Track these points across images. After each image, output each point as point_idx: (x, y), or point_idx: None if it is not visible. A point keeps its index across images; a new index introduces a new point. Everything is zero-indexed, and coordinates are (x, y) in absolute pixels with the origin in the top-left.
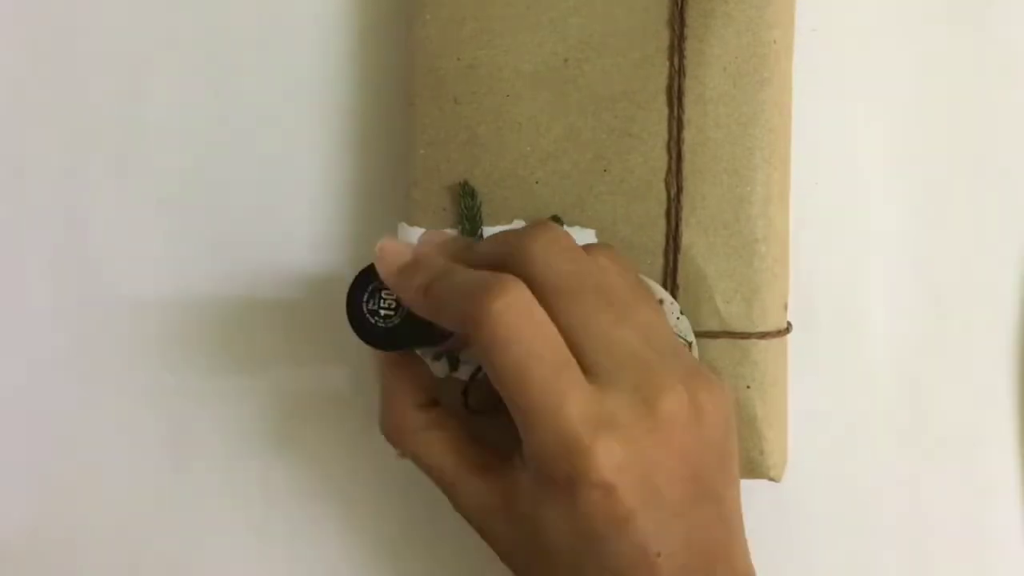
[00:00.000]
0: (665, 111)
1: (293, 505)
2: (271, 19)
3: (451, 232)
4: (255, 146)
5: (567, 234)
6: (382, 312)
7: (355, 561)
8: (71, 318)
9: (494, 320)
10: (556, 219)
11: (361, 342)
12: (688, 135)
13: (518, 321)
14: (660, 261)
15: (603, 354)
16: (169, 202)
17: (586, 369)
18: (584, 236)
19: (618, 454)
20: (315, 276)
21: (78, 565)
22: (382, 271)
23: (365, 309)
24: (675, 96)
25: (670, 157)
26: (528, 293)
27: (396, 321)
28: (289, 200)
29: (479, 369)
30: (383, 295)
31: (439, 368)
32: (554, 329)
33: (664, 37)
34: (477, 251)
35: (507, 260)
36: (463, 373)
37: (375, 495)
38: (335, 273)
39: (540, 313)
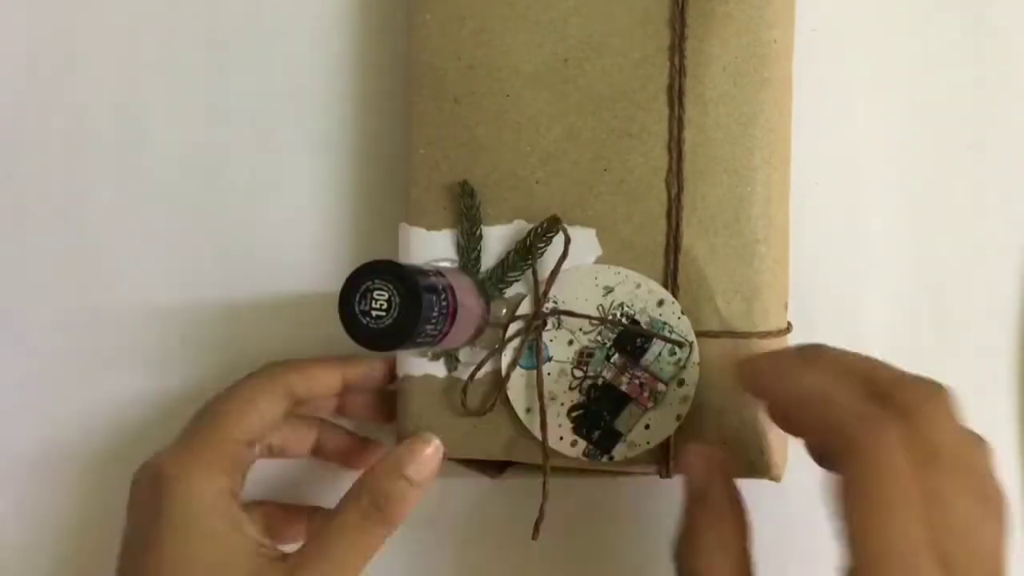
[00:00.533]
0: (665, 111)
1: (295, 503)
2: (270, 20)
3: None
4: (254, 147)
5: (956, 401)
6: (373, 313)
7: None
8: (73, 322)
9: (886, 451)
10: (556, 219)
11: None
12: (688, 135)
13: (903, 464)
14: (660, 261)
15: (963, 549)
16: (168, 204)
17: (938, 547)
18: (584, 236)
19: None
20: (316, 276)
21: (82, 566)
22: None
23: (357, 309)
24: (675, 96)
25: (670, 157)
26: (907, 434)
27: (388, 322)
28: (289, 200)
29: (478, 368)
30: (375, 295)
31: (438, 368)
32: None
33: (664, 37)
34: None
35: (888, 397)
36: (461, 373)
37: None
38: (336, 273)
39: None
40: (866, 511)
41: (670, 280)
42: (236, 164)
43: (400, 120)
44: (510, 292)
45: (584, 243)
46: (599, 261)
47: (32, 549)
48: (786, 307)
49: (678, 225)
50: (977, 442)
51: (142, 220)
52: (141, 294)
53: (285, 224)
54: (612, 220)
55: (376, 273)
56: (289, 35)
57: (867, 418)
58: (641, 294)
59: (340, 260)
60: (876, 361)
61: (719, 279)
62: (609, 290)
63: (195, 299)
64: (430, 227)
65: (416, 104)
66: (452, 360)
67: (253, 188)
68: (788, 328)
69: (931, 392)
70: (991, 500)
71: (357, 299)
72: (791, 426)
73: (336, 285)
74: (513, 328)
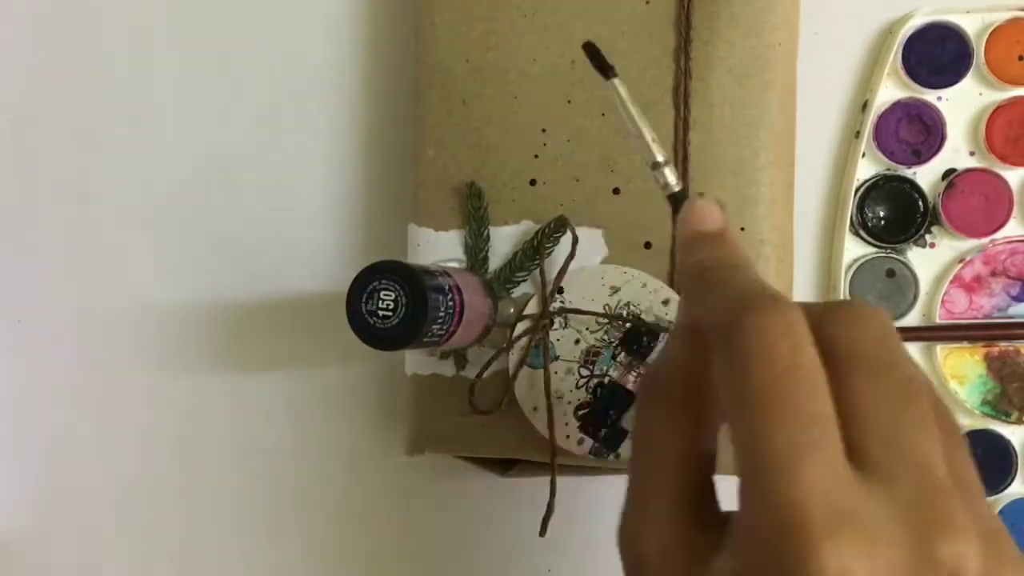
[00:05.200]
0: (671, 113)
1: (299, 504)
2: (279, 23)
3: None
4: (264, 149)
5: (891, 320)
6: (380, 313)
7: (358, 558)
8: (80, 321)
9: (753, 332)
10: (563, 220)
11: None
12: (694, 137)
13: (781, 342)
14: (666, 261)
15: (885, 448)
16: (178, 206)
17: (857, 458)
18: (591, 236)
19: (859, 569)
20: (323, 277)
21: (88, 562)
22: (688, 222)
23: (364, 310)
24: (681, 98)
25: (676, 158)
26: (804, 322)
27: (395, 321)
28: (297, 201)
29: (486, 367)
30: (382, 296)
31: (446, 367)
32: (822, 374)
33: (670, 40)
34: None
35: (814, 310)
36: (469, 372)
37: (379, 493)
38: (344, 274)
39: (811, 350)
40: (742, 405)
41: (676, 280)
42: (246, 166)
43: (409, 122)
44: (517, 292)
45: (591, 243)
46: (606, 261)
47: (45, 545)
48: None
49: None
50: (904, 350)
51: (152, 221)
52: (151, 294)
53: (294, 225)
54: (619, 221)
55: (383, 273)
56: (299, 38)
57: (740, 298)
58: (647, 293)
59: (348, 260)
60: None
61: None
62: (616, 290)
63: (204, 299)
64: (438, 228)
65: (424, 106)
66: (460, 359)
67: (262, 189)
68: None
69: (854, 303)
70: (922, 404)
71: (364, 299)
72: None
73: (344, 285)
74: (520, 327)
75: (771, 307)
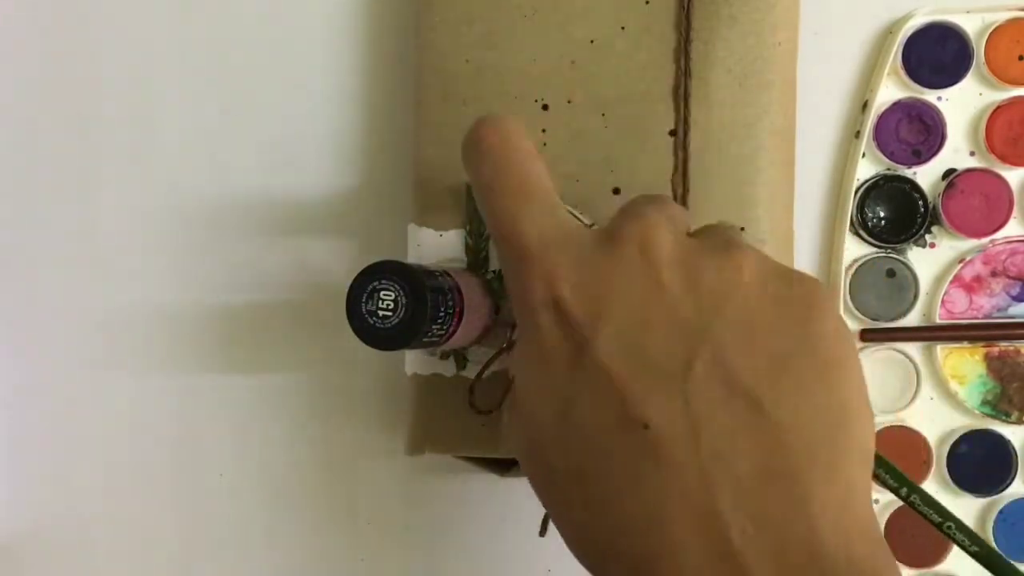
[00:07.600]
0: (671, 113)
1: (299, 503)
2: (280, 22)
3: None
4: (263, 148)
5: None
6: (380, 313)
7: (358, 558)
8: (82, 321)
9: (486, 133)
10: None
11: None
12: (694, 136)
13: (508, 136)
14: None
15: (619, 213)
16: (177, 205)
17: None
18: None
19: (565, 266)
20: (323, 277)
21: (87, 563)
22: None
23: (364, 310)
24: (681, 98)
25: (676, 158)
26: (522, 124)
27: (394, 321)
28: (297, 201)
29: (486, 367)
30: (382, 296)
31: (447, 367)
32: (541, 161)
33: (670, 39)
34: None
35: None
36: (470, 372)
37: (379, 493)
38: (343, 273)
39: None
40: (480, 189)
41: None
42: (246, 166)
43: (408, 121)
44: None
45: None
46: None
47: (45, 545)
48: None
49: None
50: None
51: (152, 221)
52: (151, 294)
53: (294, 224)
54: None
55: (383, 273)
56: (299, 37)
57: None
58: None
59: (348, 260)
60: None
61: None
62: None
63: (205, 299)
64: (438, 228)
65: (424, 106)
66: (460, 359)
67: (262, 190)
68: None
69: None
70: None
71: (364, 299)
72: None
73: (344, 285)
74: None
75: (496, 118)
